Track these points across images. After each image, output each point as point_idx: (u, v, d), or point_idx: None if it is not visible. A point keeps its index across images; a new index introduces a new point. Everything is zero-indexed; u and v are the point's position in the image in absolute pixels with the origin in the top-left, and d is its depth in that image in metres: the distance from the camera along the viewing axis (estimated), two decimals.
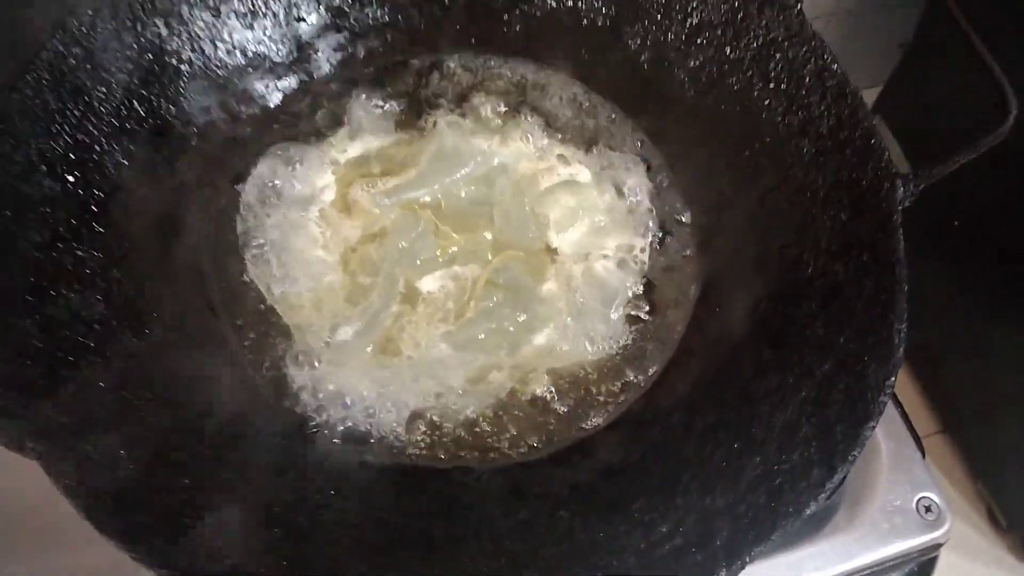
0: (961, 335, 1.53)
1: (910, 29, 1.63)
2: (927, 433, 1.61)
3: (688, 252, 0.75)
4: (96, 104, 0.68)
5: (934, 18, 1.45)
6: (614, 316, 0.72)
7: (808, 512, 0.53)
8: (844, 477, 0.71)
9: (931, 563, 0.77)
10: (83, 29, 0.67)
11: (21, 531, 0.72)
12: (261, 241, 0.73)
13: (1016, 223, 1.32)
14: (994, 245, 1.39)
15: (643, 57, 0.80)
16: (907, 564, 0.75)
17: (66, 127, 0.66)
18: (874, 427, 0.55)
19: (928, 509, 0.75)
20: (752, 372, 0.64)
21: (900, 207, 0.62)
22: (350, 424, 0.66)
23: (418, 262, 0.72)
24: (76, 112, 0.66)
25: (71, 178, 0.65)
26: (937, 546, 0.75)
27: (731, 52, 0.75)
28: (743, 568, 0.52)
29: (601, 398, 0.68)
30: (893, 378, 0.57)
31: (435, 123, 0.80)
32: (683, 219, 0.77)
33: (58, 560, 0.70)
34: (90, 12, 0.67)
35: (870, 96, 1.79)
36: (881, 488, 0.76)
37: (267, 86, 0.79)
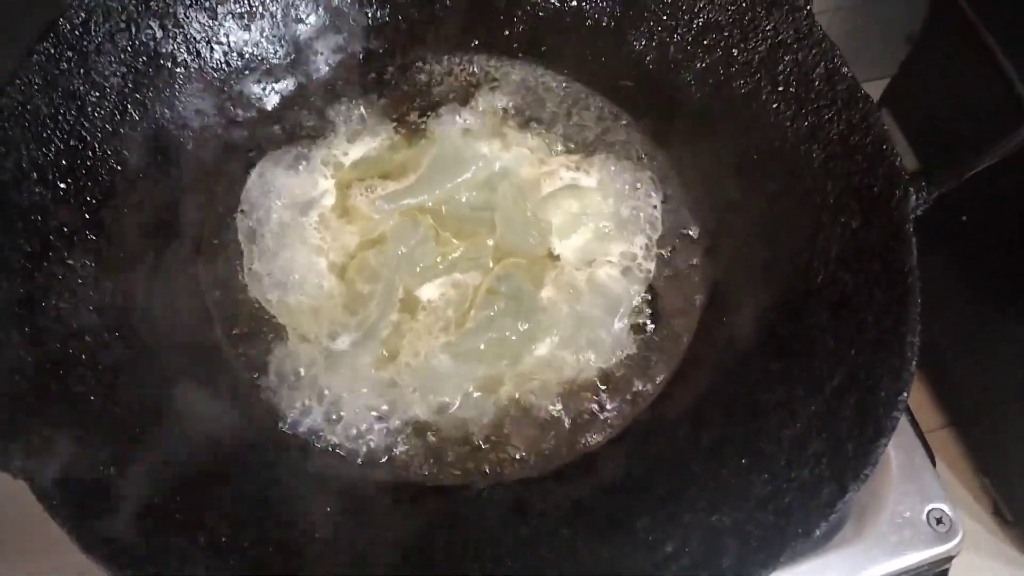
0: (967, 329, 1.51)
1: (917, 21, 1.61)
2: (932, 428, 1.60)
3: (695, 260, 0.74)
4: (89, 108, 0.66)
5: (943, 12, 1.42)
6: (618, 326, 0.70)
7: (818, 533, 0.52)
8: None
9: None
10: (76, 32, 0.66)
11: (21, 534, 0.71)
12: (258, 248, 0.71)
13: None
14: (1002, 240, 1.38)
15: (648, 59, 0.79)
16: None
17: (58, 132, 0.64)
18: (886, 444, 0.54)
19: (939, 521, 0.73)
20: (760, 384, 0.63)
21: (913, 215, 0.61)
22: (347, 438, 0.64)
23: (418, 269, 0.71)
24: (68, 117, 0.65)
25: (63, 185, 0.64)
26: (949, 559, 0.73)
27: (738, 54, 0.74)
28: None
29: (605, 411, 0.67)
30: (906, 393, 0.55)
31: (436, 126, 0.78)
32: (689, 225, 0.75)
33: (57, 561, 0.69)
34: (83, 14, 0.66)
35: (876, 88, 1.77)
36: (890, 499, 0.74)
37: (264, 88, 0.78)
